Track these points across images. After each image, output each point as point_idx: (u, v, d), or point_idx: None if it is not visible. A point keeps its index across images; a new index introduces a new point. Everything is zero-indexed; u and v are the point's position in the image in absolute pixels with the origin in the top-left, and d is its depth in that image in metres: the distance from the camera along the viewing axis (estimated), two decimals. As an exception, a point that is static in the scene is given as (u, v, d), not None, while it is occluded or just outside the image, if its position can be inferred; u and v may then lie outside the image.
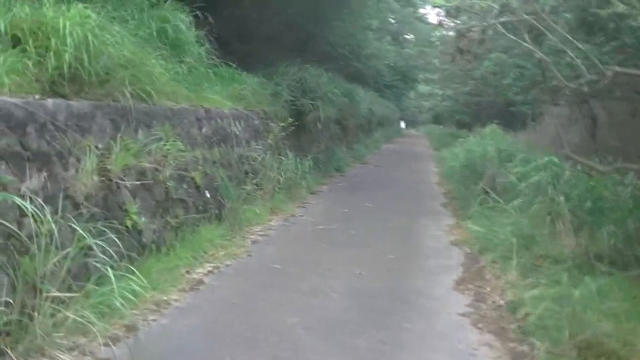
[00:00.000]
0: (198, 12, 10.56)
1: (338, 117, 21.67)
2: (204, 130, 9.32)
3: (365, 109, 28.13)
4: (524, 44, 6.60)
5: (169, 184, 7.55)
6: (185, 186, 8.17)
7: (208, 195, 8.90)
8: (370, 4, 24.50)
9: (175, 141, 7.98)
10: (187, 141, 8.55)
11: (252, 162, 11.24)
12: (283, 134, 13.29)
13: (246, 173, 10.94)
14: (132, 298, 5.30)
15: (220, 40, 16.84)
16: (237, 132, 10.83)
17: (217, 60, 11.38)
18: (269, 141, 12.54)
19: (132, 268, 5.71)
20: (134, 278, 5.48)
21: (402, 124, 66.84)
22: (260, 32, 20.00)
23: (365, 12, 25.11)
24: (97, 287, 5.19)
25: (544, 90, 13.67)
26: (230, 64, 11.95)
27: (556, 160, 8.24)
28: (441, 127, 52.96)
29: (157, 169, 7.33)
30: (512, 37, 7.11)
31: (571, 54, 6.72)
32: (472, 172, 14.24)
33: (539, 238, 7.98)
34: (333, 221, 11.04)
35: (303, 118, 15.40)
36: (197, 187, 8.58)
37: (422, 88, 57.21)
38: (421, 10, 47.60)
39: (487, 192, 11.94)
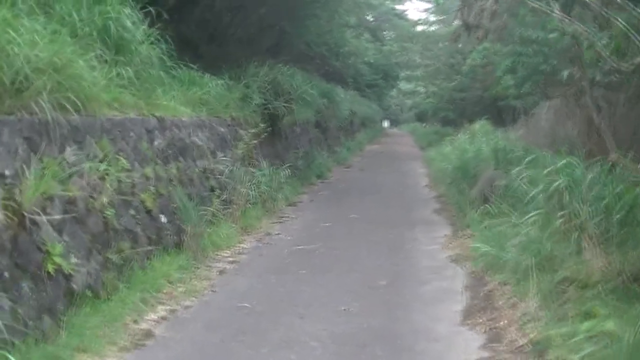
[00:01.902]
0: (151, 9, 9.14)
1: (317, 119, 20.44)
2: (156, 143, 7.94)
3: (346, 110, 26.83)
4: (554, 14, 5.31)
5: (108, 212, 6.15)
6: (132, 212, 6.78)
7: (163, 220, 7.51)
8: (347, -1, 23.15)
9: (117, 158, 6.64)
10: (135, 157, 7.18)
11: (219, 176, 9.85)
12: (255, 141, 11.91)
13: (212, 189, 9.56)
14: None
15: (189, 43, 15.71)
16: (200, 143, 9.45)
17: (177, 62, 10.01)
18: (239, 150, 11.15)
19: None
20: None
21: (385, 123, 65.93)
22: (233, 34, 19.02)
23: (342, 8, 23.80)
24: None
25: (538, 82, 12.45)
26: (191, 65, 10.56)
27: (576, 161, 6.88)
28: (424, 125, 52.05)
29: (91, 195, 5.96)
30: (537, 4, 5.79)
31: (623, 24, 5.38)
32: (465, 174, 12.94)
33: (557, 255, 6.66)
34: (314, 239, 9.71)
35: (277, 122, 14.08)
36: (149, 212, 7.18)
37: (404, 86, 56.39)
38: (399, 7, 46.51)
39: (485, 198, 10.71)
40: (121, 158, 6.72)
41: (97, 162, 6.16)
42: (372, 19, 43.08)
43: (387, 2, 43.40)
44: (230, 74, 12.70)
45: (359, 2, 26.35)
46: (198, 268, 7.61)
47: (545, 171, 7.05)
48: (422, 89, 47.57)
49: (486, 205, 10.39)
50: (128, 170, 6.80)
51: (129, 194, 6.77)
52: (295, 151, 16.46)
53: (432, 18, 37.13)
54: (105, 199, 6.10)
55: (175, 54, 9.77)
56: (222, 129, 10.89)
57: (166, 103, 8.66)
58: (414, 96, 53.62)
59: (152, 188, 7.37)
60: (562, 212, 6.43)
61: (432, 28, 37.19)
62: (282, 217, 11.46)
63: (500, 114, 23.45)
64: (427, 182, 17.87)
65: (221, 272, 7.70)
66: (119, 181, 6.53)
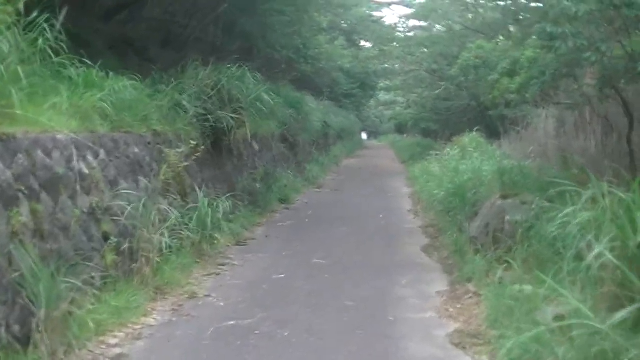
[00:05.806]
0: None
1: (283, 132, 17.57)
2: (-10, 176, 4.97)
3: (318, 121, 23.86)
4: None
5: None
6: None
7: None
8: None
9: None
10: None
11: (117, 218, 6.88)
12: (186, 163, 8.96)
13: (105, 237, 6.58)
14: None
15: (134, 45, 13.32)
16: (87, 171, 6.49)
17: (70, 57, 7.10)
18: (161, 177, 8.21)
19: None
20: None
21: (364, 135, 63.43)
22: (191, 37, 16.73)
23: (311, 6, 21.11)
24: None
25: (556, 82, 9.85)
26: (89, 62, 7.63)
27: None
28: (405, 136, 49.75)
29: None
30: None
31: None
32: (462, 202, 10.11)
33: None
34: (257, 304, 6.82)
35: (224, 138, 11.11)
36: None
37: (383, 96, 54.01)
38: (376, 14, 44.10)
39: (494, 238, 7.95)
40: None
41: None
42: (346, 25, 40.61)
43: (364, 9, 41.10)
44: (158, 77, 9.83)
45: (331, 1, 23.56)
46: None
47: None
48: (401, 99, 45.19)
49: (496, 249, 7.66)
50: None
51: None
52: (252, 172, 13.50)
53: (412, 23, 34.74)
54: None
55: (65, 47, 6.82)
56: (136, 149, 7.95)
57: (22, 113, 5.68)
58: (393, 106, 51.19)
59: (-40, 254, 4.39)
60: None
61: (411, 34, 34.88)
62: (222, 264, 8.52)
63: (491, 125, 20.75)
64: (411, 206, 15.05)
65: (88, 387, 4.74)
66: None
